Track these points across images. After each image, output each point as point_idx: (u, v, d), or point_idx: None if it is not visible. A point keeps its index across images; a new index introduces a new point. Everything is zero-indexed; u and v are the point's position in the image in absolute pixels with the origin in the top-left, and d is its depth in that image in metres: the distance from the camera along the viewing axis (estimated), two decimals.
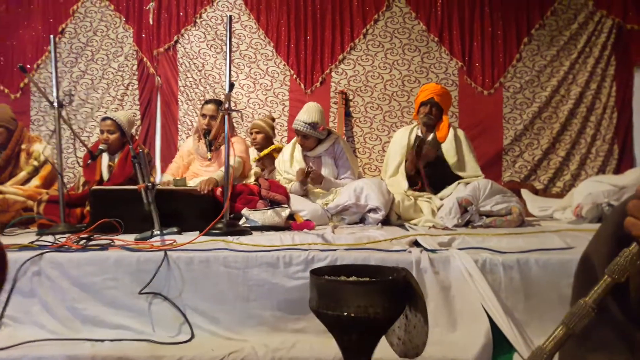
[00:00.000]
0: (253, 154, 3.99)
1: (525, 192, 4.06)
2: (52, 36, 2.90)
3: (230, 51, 2.58)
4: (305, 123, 3.40)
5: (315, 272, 0.97)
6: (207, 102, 3.66)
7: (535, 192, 4.38)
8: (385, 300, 0.90)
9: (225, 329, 1.98)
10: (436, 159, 3.41)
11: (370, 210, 3.06)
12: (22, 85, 4.89)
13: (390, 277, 0.96)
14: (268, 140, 4.05)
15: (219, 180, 3.12)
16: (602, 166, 4.73)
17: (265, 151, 3.84)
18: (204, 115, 3.55)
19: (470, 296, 1.93)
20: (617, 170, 4.62)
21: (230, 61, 2.58)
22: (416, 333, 0.97)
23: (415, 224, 3.02)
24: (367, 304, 0.89)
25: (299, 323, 1.99)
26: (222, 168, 3.27)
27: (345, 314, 0.89)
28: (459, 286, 1.99)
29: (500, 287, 1.99)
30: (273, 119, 4.28)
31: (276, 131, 4.79)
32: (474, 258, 2.03)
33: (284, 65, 4.86)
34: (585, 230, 2.56)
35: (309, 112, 3.44)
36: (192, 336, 1.96)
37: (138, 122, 4.86)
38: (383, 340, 1.02)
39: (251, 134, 4.04)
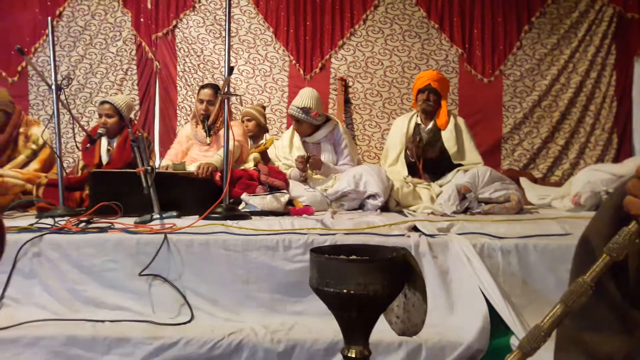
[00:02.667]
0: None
1: (524, 181, 4.07)
2: (49, 18, 2.88)
3: (229, 34, 2.57)
4: (298, 108, 3.40)
5: (315, 251, 0.97)
6: (203, 86, 3.63)
7: (534, 180, 4.39)
8: (385, 278, 0.91)
9: (224, 311, 2.00)
10: (438, 152, 3.42)
11: (369, 197, 3.07)
12: (19, 68, 4.86)
13: (390, 256, 0.96)
14: (260, 128, 4.03)
15: (217, 165, 3.12)
16: (601, 155, 4.74)
17: (261, 148, 3.78)
18: (201, 101, 3.52)
19: (469, 280, 1.94)
20: (616, 160, 4.63)
21: (230, 45, 2.57)
22: (415, 311, 0.97)
23: (414, 211, 3.03)
24: (367, 281, 0.90)
25: (298, 305, 2.00)
26: (219, 152, 3.27)
27: (345, 291, 0.90)
28: (457, 270, 2.01)
29: (498, 271, 2.00)
30: (264, 107, 4.27)
31: (275, 117, 4.79)
32: (472, 243, 2.04)
33: (283, 50, 4.84)
34: (584, 218, 2.57)
35: (302, 97, 3.44)
36: (192, 317, 1.97)
37: (137, 107, 4.85)
38: (382, 321, 1.02)
39: (242, 122, 4.02)
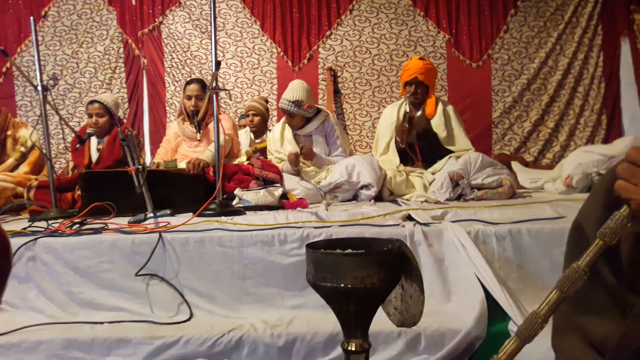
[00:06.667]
0: (242, 135, 3.96)
1: (515, 165, 4.09)
2: (32, 18, 2.84)
3: (215, 28, 2.55)
4: (289, 101, 3.38)
5: (311, 246, 0.98)
6: (189, 82, 3.58)
7: (526, 164, 4.42)
8: (381, 270, 0.91)
9: (223, 307, 2.00)
10: (426, 131, 3.42)
11: (362, 187, 3.07)
12: (4, 69, 4.81)
13: (385, 248, 0.97)
14: (264, 122, 4.02)
15: (208, 160, 3.10)
16: (590, 136, 4.77)
17: (262, 145, 3.80)
18: (189, 97, 3.49)
19: (464, 267, 1.96)
20: (606, 140, 4.66)
21: (216, 40, 2.55)
22: (412, 302, 0.98)
23: (407, 199, 3.04)
24: (364, 275, 0.90)
25: (296, 299, 2.01)
26: (210, 147, 3.26)
27: (342, 285, 0.90)
28: (452, 258, 2.02)
29: (494, 257, 2.02)
30: (266, 101, 4.25)
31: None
32: (466, 230, 2.05)
33: (271, 43, 4.81)
34: (576, 200, 2.60)
35: (293, 90, 3.41)
36: (191, 315, 1.97)
37: (125, 105, 4.82)
38: (380, 311, 1.03)
39: (247, 116, 3.99)
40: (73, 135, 3.30)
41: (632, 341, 0.76)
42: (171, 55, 4.83)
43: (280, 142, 3.53)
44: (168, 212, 2.50)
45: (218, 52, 2.77)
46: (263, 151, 3.71)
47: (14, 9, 4.82)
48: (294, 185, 3.08)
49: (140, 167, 2.51)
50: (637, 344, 0.76)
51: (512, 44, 4.81)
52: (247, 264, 2.05)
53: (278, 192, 2.85)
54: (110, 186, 2.67)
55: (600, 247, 0.74)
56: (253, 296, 2.03)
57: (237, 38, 4.82)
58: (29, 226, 2.34)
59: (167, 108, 4.84)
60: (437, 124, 3.47)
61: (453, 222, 2.20)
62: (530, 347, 0.75)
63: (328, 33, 4.81)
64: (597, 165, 3.13)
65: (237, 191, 2.84)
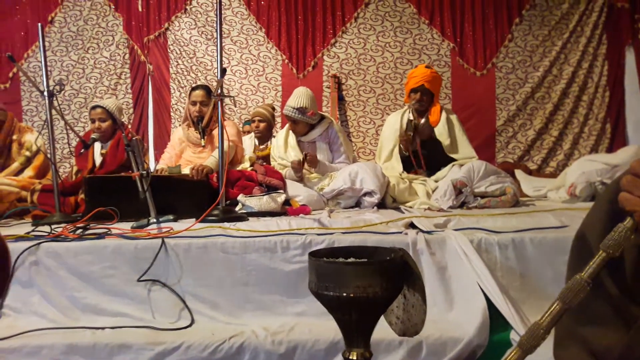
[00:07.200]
0: (246, 141, 3.97)
1: (519, 173, 4.08)
2: (39, 24, 2.86)
3: (221, 35, 2.56)
4: (294, 108, 3.39)
5: (313, 255, 0.97)
6: (194, 88, 3.61)
7: (529, 172, 4.41)
8: (384, 280, 0.91)
9: (225, 314, 2.00)
10: (431, 138, 3.42)
11: (365, 194, 3.07)
12: (10, 75, 4.84)
13: (388, 258, 0.97)
14: (270, 129, 4.02)
15: (212, 166, 3.11)
16: (594, 145, 4.76)
17: (265, 152, 3.81)
18: (194, 103, 3.51)
19: (467, 276, 1.95)
20: (610, 149, 4.65)
21: (221, 47, 2.56)
22: (415, 312, 0.98)
23: (410, 207, 3.03)
24: (366, 284, 0.90)
25: (297, 306, 2.00)
26: (214, 153, 3.27)
27: (345, 294, 0.90)
28: (455, 266, 2.01)
29: (496, 266, 2.01)
30: (273, 108, 4.26)
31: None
32: (469, 238, 2.05)
33: (276, 50, 4.83)
34: (579, 209, 2.59)
35: (297, 97, 3.42)
36: (192, 322, 1.97)
37: (131, 111, 4.84)
38: (382, 320, 1.03)
39: (253, 121, 4.00)
40: (78, 140, 3.31)
41: (635, 353, 0.76)
42: (177, 62, 4.85)
43: (284, 148, 3.54)
44: (171, 217, 2.50)
45: (223, 58, 2.79)
46: (266, 159, 3.71)
47: (21, 15, 4.86)
48: (297, 191, 3.08)
49: (144, 172, 2.52)
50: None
51: (517, 53, 4.81)
52: (250, 270, 2.04)
53: (281, 198, 2.85)
54: (113, 191, 2.67)
55: (603, 259, 0.73)
56: (255, 303, 2.03)
57: (243, 45, 4.84)
58: (32, 230, 2.34)
59: (172, 114, 4.86)
60: (440, 132, 3.48)
61: (456, 230, 2.19)
62: (532, 357, 0.74)
63: (333, 41, 4.83)
64: (601, 174, 3.12)
65: (240, 197, 2.85)
